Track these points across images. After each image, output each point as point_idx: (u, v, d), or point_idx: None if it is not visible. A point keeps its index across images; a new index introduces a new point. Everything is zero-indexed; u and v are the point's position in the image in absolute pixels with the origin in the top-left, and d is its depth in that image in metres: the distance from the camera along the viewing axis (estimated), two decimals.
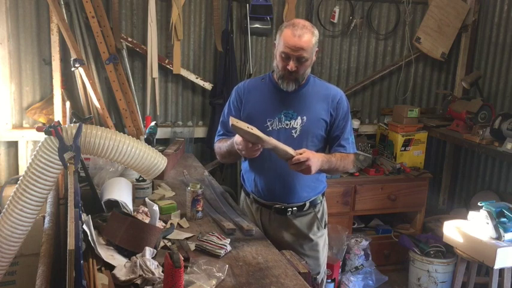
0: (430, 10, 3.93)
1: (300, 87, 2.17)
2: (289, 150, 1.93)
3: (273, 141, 1.91)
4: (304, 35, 2.00)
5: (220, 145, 2.25)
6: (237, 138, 1.98)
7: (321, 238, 2.32)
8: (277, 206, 2.25)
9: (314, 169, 1.96)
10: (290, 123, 2.15)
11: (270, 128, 2.15)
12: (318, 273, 2.32)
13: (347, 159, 2.18)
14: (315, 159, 1.96)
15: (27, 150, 3.25)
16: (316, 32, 2.08)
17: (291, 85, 2.11)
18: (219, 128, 2.33)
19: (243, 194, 2.44)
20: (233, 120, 1.83)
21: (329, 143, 2.23)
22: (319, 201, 2.32)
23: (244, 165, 2.35)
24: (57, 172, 1.84)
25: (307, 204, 2.26)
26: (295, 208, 2.25)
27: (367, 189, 3.63)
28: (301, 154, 1.94)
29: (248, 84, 2.29)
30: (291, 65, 2.03)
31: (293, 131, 2.15)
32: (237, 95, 2.27)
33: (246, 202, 2.39)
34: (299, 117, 2.15)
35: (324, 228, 2.35)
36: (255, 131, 1.87)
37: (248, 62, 3.60)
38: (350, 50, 3.96)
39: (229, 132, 2.23)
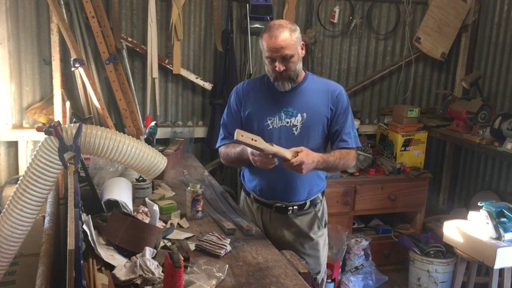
0: (430, 10, 3.93)
1: (298, 85, 2.18)
2: (287, 154, 1.95)
3: (274, 149, 1.92)
4: (280, 35, 2.02)
5: (228, 151, 2.23)
6: (252, 150, 1.99)
7: (322, 237, 2.33)
8: (278, 205, 2.25)
9: (305, 171, 1.98)
10: (290, 121, 2.16)
11: (271, 127, 2.16)
12: (318, 273, 2.32)
13: (347, 157, 2.16)
14: (309, 162, 1.96)
15: (27, 150, 3.26)
16: (295, 27, 2.09)
17: (287, 85, 2.11)
18: (221, 131, 2.33)
19: (243, 194, 2.44)
20: (238, 134, 1.84)
21: (330, 138, 2.23)
22: (319, 201, 2.32)
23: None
24: (57, 172, 1.84)
25: (308, 203, 2.26)
26: (296, 207, 2.25)
27: (367, 189, 3.63)
28: (298, 153, 1.95)
29: (247, 85, 2.29)
30: (278, 66, 2.05)
31: (294, 129, 2.15)
32: (236, 96, 2.27)
33: (246, 202, 2.39)
34: (299, 115, 2.15)
35: (324, 227, 2.35)
36: (258, 142, 1.88)
37: (248, 62, 3.60)
38: (350, 50, 3.96)
39: (232, 135, 2.23)
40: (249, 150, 1.99)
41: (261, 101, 2.21)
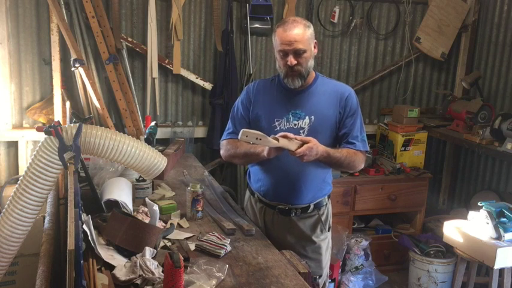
0: (430, 10, 3.93)
1: (307, 87, 2.17)
2: (293, 147, 1.94)
3: (279, 144, 1.91)
4: (295, 28, 2.03)
5: (234, 146, 2.20)
6: (269, 151, 1.99)
7: (324, 241, 2.30)
8: (280, 206, 2.24)
9: (305, 161, 1.97)
10: (298, 123, 2.15)
11: (278, 128, 2.14)
12: (320, 276, 2.30)
13: (354, 157, 2.13)
14: (312, 154, 1.95)
15: (27, 150, 3.25)
16: (309, 24, 2.10)
17: (297, 81, 2.10)
18: (229, 124, 2.31)
19: (247, 193, 2.42)
20: (243, 135, 1.84)
21: (338, 141, 2.21)
22: (324, 204, 2.29)
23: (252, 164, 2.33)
24: (57, 172, 1.84)
25: (312, 206, 2.25)
26: (299, 210, 2.24)
27: (367, 189, 3.63)
28: (304, 143, 1.94)
29: (258, 84, 2.29)
30: (290, 60, 2.04)
31: (301, 131, 2.13)
32: (247, 94, 2.27)
33: (251, 201, 2.38)
34: (307, 117, 2.14)
35: (328, 231, 2.33)
36: (263, 141, 1.88)
37: (248, 62, 3.60)
38: (350, 50, 3.96)
39: (239, 130, 2.22)
40: (265, 152, 2.00)
41: (269, 102, 2.20)
